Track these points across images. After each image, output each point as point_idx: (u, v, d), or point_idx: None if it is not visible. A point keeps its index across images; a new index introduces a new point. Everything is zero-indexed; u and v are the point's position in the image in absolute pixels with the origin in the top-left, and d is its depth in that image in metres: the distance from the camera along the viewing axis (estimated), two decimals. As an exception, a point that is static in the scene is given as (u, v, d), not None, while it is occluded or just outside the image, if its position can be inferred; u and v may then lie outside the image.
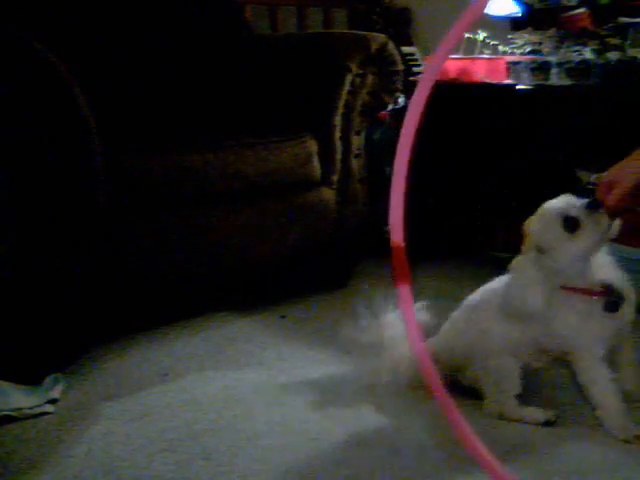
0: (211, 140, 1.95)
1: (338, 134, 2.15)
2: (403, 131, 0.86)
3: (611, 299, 1.34)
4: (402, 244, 0.89)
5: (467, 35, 2.73)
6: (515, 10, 2.69)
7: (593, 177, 2.18)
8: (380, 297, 1.52)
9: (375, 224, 2.46)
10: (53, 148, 1.63)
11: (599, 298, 1.34)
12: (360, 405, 1.53)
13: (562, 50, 2.42)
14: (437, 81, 0.87)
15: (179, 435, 1.41)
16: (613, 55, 2.28)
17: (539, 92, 2.37)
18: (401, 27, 3.21)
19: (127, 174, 1.75)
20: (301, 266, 2.20)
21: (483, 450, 0.93)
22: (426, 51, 3.01)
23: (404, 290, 0.94)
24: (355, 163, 2.21)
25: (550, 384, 1.61)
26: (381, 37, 2.19)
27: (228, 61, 2.40)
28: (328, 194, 2.14)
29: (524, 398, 1.48)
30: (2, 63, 1.56)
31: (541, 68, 2.39)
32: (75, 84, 1.62)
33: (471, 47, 2.74)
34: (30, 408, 1.48)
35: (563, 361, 1.46)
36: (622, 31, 2.32)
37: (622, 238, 2.05)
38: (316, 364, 1.72)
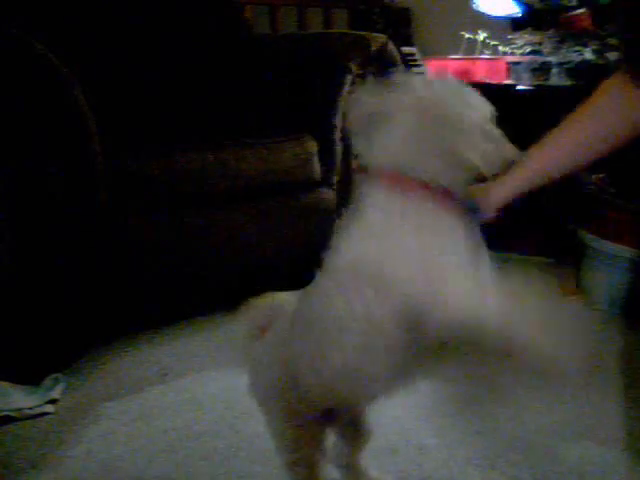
0: (211, 140, 1.94)
1: (338, 134, 2.15)
2: None
3: None
4: None
5: (467, 35, 2.73)
6: (515, 10, 2.69)
7: (593, 177, 2.18)
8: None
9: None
10: (53, 148, 1.63)
11: None
12: (360, 405, 1.53)
13: (562, 50, 2.42)
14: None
15: (179, 435, 1.41)
16: (613, 55, 2.28)
17: (539, 92, 2.37)
18: (401, 27, 3.21)
19: (127, 174, 1.75)
20: (301, 266, 2.19)
21: None
22: (426, 51, 3.01)
23: None
24: (355, 164, 2.21)
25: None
26: (381, 37, 2.19)
27: (228, 61, 2.40)
28: (328, 194, 2.14)
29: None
30: (2, 63, 1.56)
31: (541, 68, 2.39)
32: (75, 84, 1.62)
33: (471, 47, 2.75)
34: (30, 408, 1.48)
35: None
36: (622, 31, 2.32)
37: (600, 231, 2.06)
38: (316, 364, 1.72)
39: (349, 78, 2.12)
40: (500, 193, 1.06)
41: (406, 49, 2.80)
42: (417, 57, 2.88)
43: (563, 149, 1.08)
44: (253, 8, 2.92)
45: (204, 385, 1.62)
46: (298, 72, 2.25)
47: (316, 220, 2.13)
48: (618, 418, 1.46)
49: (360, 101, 0.93)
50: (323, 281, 0.92)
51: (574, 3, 2.53)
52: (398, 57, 2.22)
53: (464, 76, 2.57)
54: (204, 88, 2.34)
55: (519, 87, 2.40)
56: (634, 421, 1.45)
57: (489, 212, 1.04)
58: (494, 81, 2.52)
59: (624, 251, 2.02)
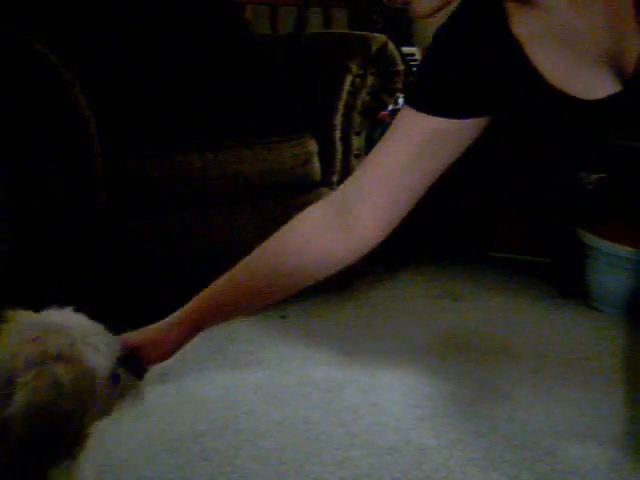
0: (211, 140, 1.94)
1: (338, 134, 2.15)
2: None
3: None
4: None
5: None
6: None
7: (593, 177, 2.19)
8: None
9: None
10: (53, 149, 1.63)
11: None
12: (360, 405, 1.53)
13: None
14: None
15: (179, 435, 1.41)
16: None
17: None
18: (401, 27, 3.21)
19: (127, 174, 1.75)
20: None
21: None
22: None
23: None
24: (355, 163, 2.21)
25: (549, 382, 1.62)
26: (381, 37, 2.19)
27: (228, 61, 2.40)
28: (328, 194, 2.13)
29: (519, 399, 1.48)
30: (2, 64, 1.56)
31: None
32: (75, 84, 1.62)
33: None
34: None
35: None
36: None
37: (600, 231, 2.07)
38: (316, 364, 1.72)
39: (349, 78, 2.12)
40: (172, 338, 1.01)
41: (406, 49, 2.79)
42: (417, 57, 2.88)
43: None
44: (253, 8, 2.92)
45: (204, 385, 1.62)
46: (298, 72, 2.25)
47: (316, 220, 2.13)
48: (618, 418, 1.47)
49: None
50: None
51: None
52: (398, 57, 2.22)
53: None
54: (204, 88, 2.34)
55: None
56: (634, 421, 1.45)
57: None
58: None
59: (624, 251, 2.02)
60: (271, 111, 2.24)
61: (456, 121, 0.85)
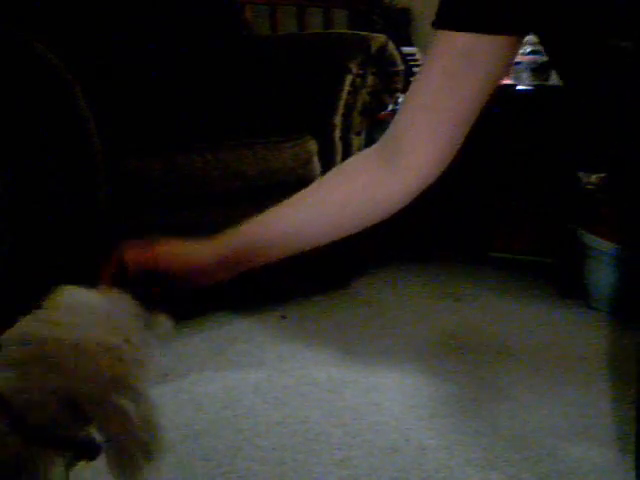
0: (211, 140, 1.94)
1: (338, 134, 2.15)
2: None
3: None
4: None
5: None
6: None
7: (593, 177, 2.19)
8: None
9: (375, 224, 2.45)
10: (53, 149, 1.63)
11: None
12: (360, 405, 1.53)
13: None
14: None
15: (179, 435, 1.41)
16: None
17: (539, 92, 2.37)
18: (401, 27, 3.21)
19: (127, 174, 1.75)
20: (301, 266, 2.19)
21: None
22: (426, 51, 3.01)
23: None
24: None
25: (549, 383, 1.62)
26: (381, 37, 2.19)
27: (228, 61, 2.41)
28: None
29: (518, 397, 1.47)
30: (2, 63, 1.56)
31: (541, 68, 2.39)
32: (75, 84, 1.62)
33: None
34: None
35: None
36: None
37: (600, 231, 2.07)
38: (316, 364, 1.72)
39: (349, 78, 2.12)
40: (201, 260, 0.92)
41: (406, 49, 2.79)
42: (417, 57, 2.88)
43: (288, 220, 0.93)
44: (253, 8, 2.92)
45: (204, 385, 1.62)
46: (298, 72, 2.25)
47: (316, 220, 2.12)
48: (618, 418, 1.47)
49: None
50: None
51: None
52: (398, 57, 2.22)
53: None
54: (204, 88, 2.34)
55: (519, 87, 2.40)
56: (634, 421, 1.45)
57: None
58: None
59: (623, 251, 2.02)
60: (271, 111, 2.24)
61: (484, 37, 0.84)
